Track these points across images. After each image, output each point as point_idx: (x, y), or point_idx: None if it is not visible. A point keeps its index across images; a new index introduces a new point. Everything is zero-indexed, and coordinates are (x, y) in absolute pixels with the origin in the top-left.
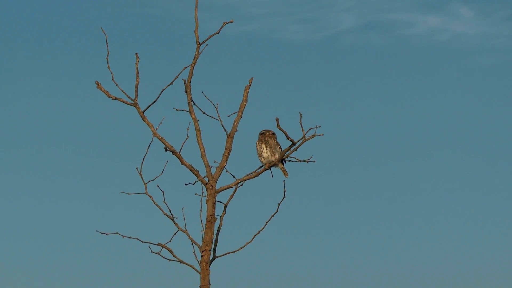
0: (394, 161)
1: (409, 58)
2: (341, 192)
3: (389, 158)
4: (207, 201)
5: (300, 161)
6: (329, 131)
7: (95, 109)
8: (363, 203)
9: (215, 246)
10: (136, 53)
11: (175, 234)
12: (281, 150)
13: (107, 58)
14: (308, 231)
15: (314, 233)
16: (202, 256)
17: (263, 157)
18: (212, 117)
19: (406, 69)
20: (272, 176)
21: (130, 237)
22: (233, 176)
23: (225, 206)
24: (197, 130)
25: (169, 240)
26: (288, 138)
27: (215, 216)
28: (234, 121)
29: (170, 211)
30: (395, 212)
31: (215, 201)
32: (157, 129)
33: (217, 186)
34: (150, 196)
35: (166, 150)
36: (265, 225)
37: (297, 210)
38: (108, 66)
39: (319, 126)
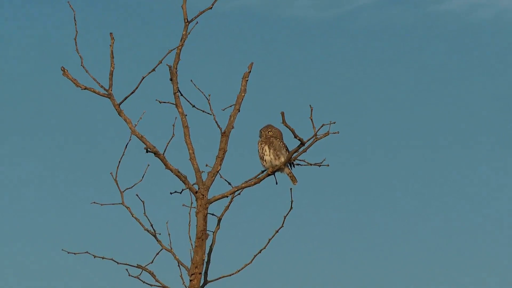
0: (423, 158)
1: (442, 40)
2: (360, 202)
3: (416, 156)
4: (197, 213)
5: (311, 164)
6: (345, 128)
7: (61, 100)
8: (387, 215)
9: (207, 268)
10: (111, 33)
11: (157, 253)
12: (288, 152)
13: (75, 39)
14: (320, 249)
15: (326, 251)
16: (190, 280)
17: (265, 161)
18: (203, 111)
19: (438, 53)
20: (277, 183)
21: (103, 258)
22: (229, 183)
23: (219, 220)
24: (185, 126)
25: (151, 261)
26: (296, 136)
27: (207, 232)
28: (230, 116)
29: (151, 225)
30: (427, 232)
31: (207, 213)
32: (136, 125)
33: (209, 196)
34: (127, 208)
35: (147, 151)
36: (268, 242)
37: (307, 224)
38: (77, 49)
39: (334, 122)
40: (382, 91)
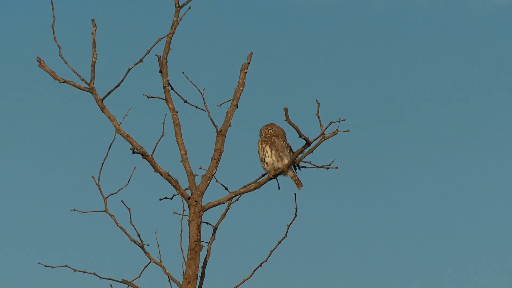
0: (450, 162)
1: (463, 26)
2: (372, 208)
3: (437, 155)
4: (189, 222)
5: (318, 167)
6: (356, 126)
7: (36, 95)
8: (403, 222)
9: (201, 283)
10: (93, 19)
11: (145, 267)
12: (292, 153)
13: (52, 26)
14: (327, 261)
15: (334, 264)
16: None
17: (266, 163)
18: (196, 107)
19: (458, 41)
20: (279, 188)
21: (84, 272)
22: (226, 188)
23: (215, 229)
24: (176, 124)
25: (138, 275)
26: (300, 135)
27: (201, 242)
28: (227, 112)
29: (139, 235)
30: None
31: (201, 222)
32: (121, 123)
33: (204, 202)
34: (111, 216)
35: (133, 153)
36: (269, 255)
37: (313, 234)
38: (54, 37)
39: (343, 120)
40: (398, 83)
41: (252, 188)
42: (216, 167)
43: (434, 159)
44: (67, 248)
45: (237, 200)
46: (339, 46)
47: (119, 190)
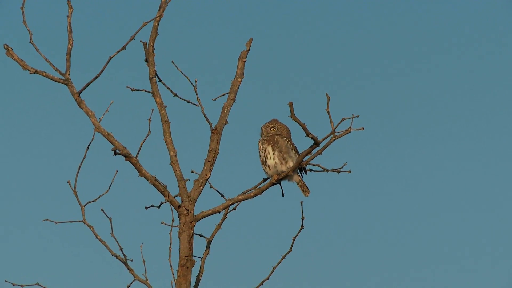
0: (479, 170)
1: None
2: (388, 216)
3: (469, 164)
4: (179, 233)
5: (328, 170)
6: (372, 123)
7: (3, 88)
8: (420, 234)
9: None
10: (68, 1)
11: (129, 286)
12: (298, 154)
13: (22, 8)
14: (338, 279)
15: (347, 282)
16: None
17: (269, 166)
18: (188, 102)
19: (482, 33)
20: (283, 195)
21: None
22: (221, 195)
23: (209, 242)
24: (165, 121)
25: None
26: (308, 134)
27: (193, 258)
28: (223, 107)
29: (121, 249)
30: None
31: (193, 233)
32: (101, 120)
33: (196, 211)
34: (89, 226)
35: (115, 154)
36: (272, 271)
37: (321, 247)
38: (24, 21)
39: (357, 116)
40: (417, 76)
41: (252, 195)
42: (210, 170)
43: (462, 162)
44: (39, 264)
45: (234, 208)
46: (351, 34)
47: (99, 197)
